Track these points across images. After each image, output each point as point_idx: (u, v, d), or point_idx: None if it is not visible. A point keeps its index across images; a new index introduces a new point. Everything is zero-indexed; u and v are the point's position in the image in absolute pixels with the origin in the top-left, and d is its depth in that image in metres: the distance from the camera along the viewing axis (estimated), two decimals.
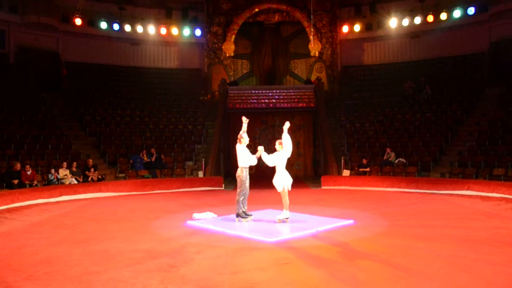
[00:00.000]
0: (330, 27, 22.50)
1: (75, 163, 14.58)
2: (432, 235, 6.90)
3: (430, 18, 20.75)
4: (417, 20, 21.05)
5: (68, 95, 19.96)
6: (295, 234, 7.06)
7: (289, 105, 19.79)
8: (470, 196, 12.02)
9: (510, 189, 11.40)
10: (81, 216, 9.55)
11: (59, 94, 19.95)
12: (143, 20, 22.13)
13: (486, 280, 4.60)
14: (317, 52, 22.27)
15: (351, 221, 8.09)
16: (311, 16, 19.71)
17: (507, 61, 18.54)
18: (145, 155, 16.40)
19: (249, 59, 23.48)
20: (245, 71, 23.44)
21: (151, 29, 22.04)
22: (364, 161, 16.01)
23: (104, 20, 21.39)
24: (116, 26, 21.58)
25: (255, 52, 23.35)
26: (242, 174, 8.10)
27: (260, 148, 8.19)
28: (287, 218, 7.95)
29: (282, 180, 7.97)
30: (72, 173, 14.19)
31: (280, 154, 8.04)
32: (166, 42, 23.22)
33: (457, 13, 20.16)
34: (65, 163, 14.33)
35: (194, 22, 22.90)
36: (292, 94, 20.20)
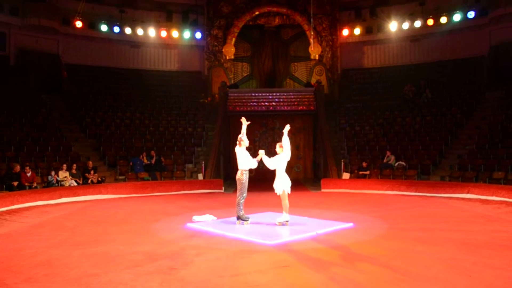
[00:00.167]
0: (330, 30, 22.54)
1: (75, 165, 14.59)
2: (432, 238, 6.90)
3: (430, 22, 20.82)
4: (417, 23, 21.11)
5: (68, 97, 19.99)
6: (295, 237, 7.05)
7: (289, 108, 19.81)
8: (470, 199, 12.01)
9: (510, 192, 11.39)
10: (81, 218, 9.54)
11: (59, 96, 19.97)
12: (143, 22, 22.18)
13: (485, 283, 4.59)
14: (317, 55, 22.31)
15: (350, 224, 8.09)
16: (311, 19, 19.74)
17: (507, 64, 18.57)
18: (145, 158, 16.40)
19: (249, 62, 23.51)
20: (245, 74, 23.47)
21: (152, 31, 22.09)
22: (364, 164, 16.01)
23: (104, 23, 21.44)
24: (116, 29, 21.64)
25: (255, 55, 23.38)
26: (243, 176, 8.09)
27: (261, 152, 8.20)
28: (287, 221, 7.95)
29: (282, 183, 7.97)
30: (72, 175, 14.19)
31: (281, 157, 8.05)
32: (167, 45, 23.27)
33: (457, 17, 20.22)
34: (65, 165, 14.34)
35: (194, 25, 22.96)
36: (292, 97, 20.22)
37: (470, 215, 9.32)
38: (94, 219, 9.38)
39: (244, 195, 8.15)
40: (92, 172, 14.81)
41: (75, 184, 14.02)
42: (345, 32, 22.68)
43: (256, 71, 23.37)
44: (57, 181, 13.77)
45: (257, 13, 22.18)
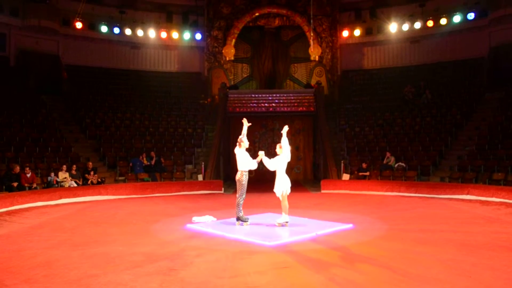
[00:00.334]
0: (330, 31, 22.55)
1: (74, 166, 14.59)
2: (432, 239, 6.89)
3: (430, 23, 20.84)
4: (417, 25, 21.13)
5: (68, 98, 20.00)
6: (295, 238, 7.05)
7: (289, 109, 19.81)
8: (469, 200, 12.02)
9: (510, 193, 11.40)
10: (81, 219, 9.54)
11: (59, 97, 19.98)
12: (143, 24, 22.20)
13: (485, 284, 4.59)
14: (317, 57, 22.32)
15: (350, 225, 8.09)
16: (311, 21, 19.76)
17: (507, 66, 18.58)
18: (144, 158, 16.39)
19: (249, 63, 23.52)
20: (245, 75, 23.48)
21: (152, 33, 22.11)
22: (364, 165, 16.00)
23: (104, 24, 21.45)
24: (116, 30, 21.65)
25: (255, 56, 23.39)
26: (242, 177, 8.09)
27: (261, 153, 8.20)
28: (286, 222, 7.95)
29: (282, 185, 7.97)
30: (71, 176, 14.19)
31: (281, 158, 8.05)
32: (167, 46, 23.29)
33: (457, 18, 20.24)
34: (64, 166, 14.33)
35: (194, 26, 22.97)
36: (292, 98, 20.23)
37: (470, 216, 9.32)
38: (94, 220, 9.37)
39: (244, 196, 8.15)
40: (92, 173, 14.81)
41: (75, 185, 14.02)
42: (345, 33, 22.69)
43: (256, 72, 23.38)
44: (57, 182, 13.76)
45: (257, 14, 22.19)
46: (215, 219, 8.84)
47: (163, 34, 22.36)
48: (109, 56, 22.56)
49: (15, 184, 12.48)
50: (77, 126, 18.49)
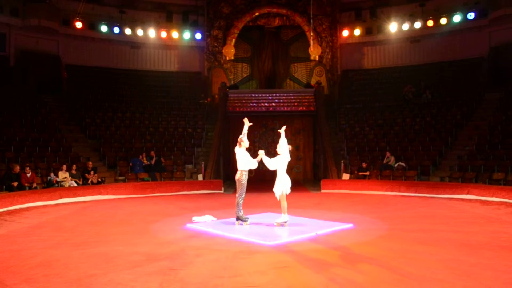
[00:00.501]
0: (330, 31, 22.55)
1: (74, 165, 14.59)
2: (432, 239, 6.89)
3: (430, 23, 20.85)
4: (417, 24, 21.14)
5: (68, 98, 20.00)
6: (295, 238, 7.05)
7: (289, 108, 19.81)
8: (469, 200, 12.01)
9: (510, 193, 11.40)
10: (81, 218, 9.54)
11: (59, 97, 19.99)
12: (143, 23, 22.20)
13: (485, 284, 4.59)
14: (317, 56, 22.32)
15: (350, 225, 8.09)
16: (311, 20, 19.76)
17: (507, 65, 18.61)
18: (144, 158, 16.39)
19: (249, 62, 23.52)
20: (245, 75, 23.48)
21: (152, 32, 22.11)
22: (364, 165, 16.01)
23: (104, 24, 21.46)
24: (116, 30, 21.66)
25: (255, 55, 23.39)
26: (242, 177, 8.09)
27: (261, 152, 8.19)
28: (285, 222, 7.93)
29: (281, 185, 7.96)
30: (71, 175, 14.19)
31: (281, 158, 8.04)
32: (167, 46, 23.29)
33: (457, 18, 20.25)
34: (64, 165, 14.33)
35: (194, 26, 22.98)
36: (292, 97, 20.23)
37: (470, 216, 9.32)
38: (94, 219, 9.37)
39: (243, 195, 8.14)
40: (92, 172, 14.81)
41: (75, 184, 14.02)
42: (345, 33, 22.69)
43: (256, 72, 23.38)
44: (57, 182, 13.76)
45: (257, 14, 22.18)
46: (215, 218, 8.84)
47: (163, 34, 22.36)
48: (109, 56, 22.57)
49: (15, 184, 12.49)
50: (77, 126, 18.49)
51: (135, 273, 5.10)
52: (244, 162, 8.11)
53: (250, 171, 8.47)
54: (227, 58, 22.44)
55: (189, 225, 8.30)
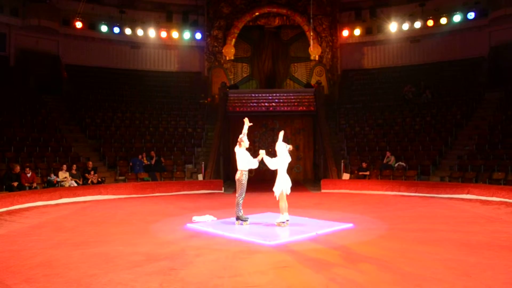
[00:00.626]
0: (330, 31, 22.54)
1: (74, 165, 14.59)
2: (432, 239, 6.89)
3: (430, 23, 20.85)
4: (417, 24, 21.14)
5: (68, 98, 20.00)
6: (295, 238, 7.05)
7: (289, 108, 19.82)
8: (470, 200, 12.02)
9: (510, 193, 11.40)
10: (81, 218, 9.54)
11: (59, 97, 19.99)
12: (143, 23, 22.19)
13: (485, 284, 4.59)
14: (317, 56, 22.31)
15: (350, 225, 8.09)
16: (311, 20, 19.75)
17: (507, 65, 18.60)
18: (144, 158, 16.39)
19: (249, 62, 23.52)
20: (245, 75, 23.47)
21: (152, 32, 22.11)
22: (364, 164, 16.01)
23: (104, 23, 21.46)
24: (116, 29, 21.66)
25: (255, 55, 23.39)
26: (242, 177, 8.09)
27: (262, 152, 8.18)
28: (283, 222, 7.90)
29: (281, 184, 7.96)
30: (71, 175, 14.19)
31: (282, 158, 8.03)
32: (167, 46, 23.29)
33: (457, 18, 20.25)
34: (65, 165, 14.33)
35: (194, 26, 22.98)
36: (292, 97, 20.23)
37: (470, 216, 9.32)
38: (94, 219, 9.38)
39: (243, 195, 8.14)
40: (92, 172, 14.81)
41: (75, 184, 14.02)
42: (345, 33, 22.69)
43: (256, 72, 23.38)
44: (57, 182, 13.76)
45: (257, 13, 22.18)
46: (215, 218, 8.84)
47: (163, 34, 22.36)
48: (109, 56, 22.57)
49: (15, 183, 12.49)
50: (77, 126, 18.49)
51: (135, 273, 5.10)
52: (245, 162, 8.11)
53: (250, 171, 8.47)
54: (227, 58, 22.44)
55: (189, 225, 8.30)
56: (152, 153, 16.68)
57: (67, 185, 13.80)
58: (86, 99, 20.15)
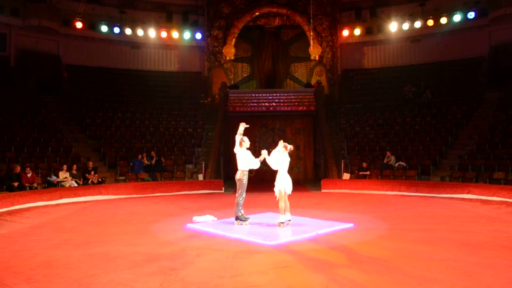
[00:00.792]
0: (330, 31, 22.54)
1: (75, 165, 14.59)
2: (432, 238, 6.89)
3: (430, 22, 20.84)
4: (417, 24, 21.13)
5: (68, 98, 20.00)
6: (295, 237, 7.05)
7: (289, 108, 19.82)
8: (470, 199, 12.01)
9: (511, 192, 11.40)
10: (81, 218, 9.55)
11: (59, 97, 20.00)
12: (143, 23, 22.20)
13: (486, 284, 4.59)
14: (317, 56, 22.31)
15: (351, 225, 8.08)
16: (311, 20, 19.75)
17: (507, 65, 18.60)
18: (145, 158, 16.39)
19: (249, 62, 23.52)
20: (245, 75, 23.47)
21: (152, 32, 22.10)
22: (364, 164, 16.01)
23: (104, 24, 21.46)
24: (116, 30, 21.66)
25: (256, 55, 23.39)
26: (243, 177, 8.09)
27: (264, 152, 8.17)
28: (283, 222, 7.89)
29: (280, 184, 7.95)
30: (72, 175, 14.19)
31: (283, 158, 8.02)
32: (167, 46, 23.29)
33: (457, 18, 20.24)
34: (65, 165, 14.34)
35: (194, 26, 22.98)
36: (292, 97, 20.23)
37: (471, 216, 9.32)
38: (94, 219, 9.38)
39: (243, 195, 8.14)
40: (92, 172, 14.82)
41: (75, 184, 14.02)
42: (345, 32, 22.68)
43: (256, 72, 23.38)
44: (58, 182, 13.76)
45: (257, 13, 22.17)
46: (215, 218, 8.84)
47: (163, 34, 22.35)
48: (110, 56, 22.58)
49: (16, 184, 12.50)
50: (77, 126, 18.50)
51: (136, 273, 5.10)
52: (246, 161, 8.11)
53: (250, 171, 8.47)
54: (227, 58, 22.44)
55: (189, 225, 8.30)
56: (153, 153, 16.68)
57: (67, 185, 13.81)
58: (87, 99, 20.15)
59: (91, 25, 21.52)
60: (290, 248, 6.38)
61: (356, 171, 16.14)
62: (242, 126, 8.36)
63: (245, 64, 23.50)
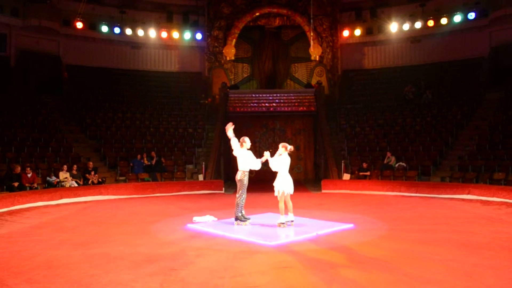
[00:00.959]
0: (330, 31, 22.54)
1: (75, 166, 14.59)
2: (432, 239, 6.89)
3: (431, 23, 20.83)
4: (418, 24, 21.12)
5: (68, 98, 20.01)
6: (295, 238, 7.05)
7: (289, 109, 19.83)
8: (470, 200, 12.01)
9: (511, 193, 11.39)
10: (81, 219, 9.55)
11: (60, 97, 20.00)
12: (144, 23, 22.20)
13: (486, 284, 4.59)
14: (317, 56, 22.30)
15: (351, 225, 8.08)
16: (312, 20, 19.75)
17: (507, 65, 18.59)
18: (145, 158, 16.39)
19: (249, 63, 23.52)
20: (246, 75, 23.48)
21: (152, 32, 22.11)
22: (365, 165, 16.00)
23: (105, 24, 21.46)
24: (117, 30, 21.66)
25: (256, 56, 23.39)
26: (243, 177, 8.09)
27: (267, 153, 8.17)
28: (283, 223, 7.88)
29: (280, 185, 7.95)
30: (72, 176, 14.20)
31: (284, 158, 8.02)
32: (167, 46, 23.29)
33: (457, 18, 20.23)
34: (65, 166, 14.34)
35: (195, 26, 22.99)
36: (293, 98, 20.24)
37: (471, 216, 9.31)
38: (95, 220, 9.38)
39: (244, 196, 8.14)
40: (92, 173, 14.82)
41: (76, 185, 14.02)
42: (346, 33, 22.67)
43: (257, 72, 23.38)
44: (58, 183, 13.76)
45: (257, 14, 22.18)
46: (215, 219, 8.84)
47: (164, 34, 22.35)
48: (110, 56, 22.58)
49: (16, 184, 12.50)
50: (77, 126, 18.50)
51: (136, 273, 5.11)
52: (247, 162, 8.10)
53: (250, 172, 8.47)
54: (228, 58, 22.44)
55: (189, 226, 8.30)
56: (153, 154, 16.68)
57: (67, 185, 13.81)
58: (87, 100, 20.15)
59: (91, 25, 21.53)
60: (290, 248, 6.38)
61: (356, 172, 16.13)
62: (231, 129, 8.23)
63: (246, 64, 23.50)
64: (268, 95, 20.34)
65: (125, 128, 18.97)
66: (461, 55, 20.92)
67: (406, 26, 21.39)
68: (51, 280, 4.89)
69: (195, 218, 8.79)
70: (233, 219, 8.30)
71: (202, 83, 22.94)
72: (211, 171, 16.37)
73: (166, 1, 22.70)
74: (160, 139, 18.70)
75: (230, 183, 16.73)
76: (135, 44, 22.83)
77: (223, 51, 22.30)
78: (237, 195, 8.14)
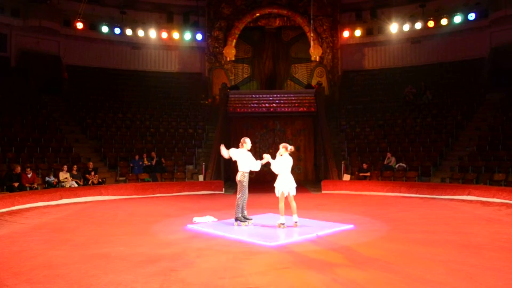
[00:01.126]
0: (331, 32, 22.55)
1: (75, 166, 14.59)
2: (433, 240, 6.89)
3: (431, 24, 20.82)
4: (418, 25, 21.11)
5: (69, 99, 20.01)
6: (295, 239, 7.05)
7: (289, 109, 19.83)
8: (470, 201, 12.01)
9: (511, 194, 11.39)
10: (81, 219, 9.54)
11: (60, 98, 20.01)
12: (144, 24, 22.21)
13: (486, 285, 4.58)
14: (317, 57, 22.31)
15: (351, 226, 8.08)
16: (312, 21, 19.75)
17: (508, 66, 18.57)
18: (145, 159, 16.38)
19: (250, 63, 23.53)
20: (246, 76, 23.49)
21: (152, 33, 22.11)
22: (365, 165, 16.00)
23: (105, 24, 21.47)
24: (117, 30, 21.67)
25: (256, 56, 23.40)
26: (243, 178, 8.09)
27: (267, 156, 8.17)
28: (282, 224, 7.87)
29: (280, 186, 7.94)
30: (72, 176, 14.20)
31: (285, 159, 8.01)
32: (167, 46, 23.30)
33: (457, 19, 20.22)
34: (65, 166, 14.34)
35: (195, 27, 22.99)
36: (293, 98, 20.24)
37: (471, 217, 9.31)
38: (95, 220, 9.38)
39: (245, 196, 8.14)
40: (92, 173, 14.81)
41: (76, 185, 14.02)
42: (346, 33, 22.67)
43: (257, 73, 23.39)
44: (57, 183, 13.76)
45: (257, 14, 22.19)
46: (216, 219, 8.84)
47: (164, 35, 22.36)
48: (110, 57, 22.59)
49: (16, 184, 12.50)
50: (78, 127, 18.50)
51: (136, 274, 5.10)
52: (247, 163, 8.10)
53: (250, 172, 8.47)
54: (228, 59, 22.45)
55: (190, 226, 8.30)
56: (153, 154, 16.68)
57: (67, 185, 13.81)
58: (87, 100, 20.16)
59: (91, 26, 21.54)
60: (291, 249, 6.38)
61: (357, 172, 16.13)
62: (224, 150, 8.43)
63: (246, 65, 23.51)
64: (268, 96, 20.34)
65: (125, 128, 18.97)
66: (461, 55, 20.92)
67: (406, 27, 21.39)
68: (51, 280, 4.89)
69: (195, 219, 8.79)
70: (233, 219, 8.30)
71: (202, 83, 22.95)
72: (211, 172, 16.36)
73: (166, 1, 22.70)
74: (160, 139, 18.70)
75: (230, 184, 16.73)
76: (135, 45, 22.84)
77: (223, 51, 22.32)
78: (237, 196, 8.14)
